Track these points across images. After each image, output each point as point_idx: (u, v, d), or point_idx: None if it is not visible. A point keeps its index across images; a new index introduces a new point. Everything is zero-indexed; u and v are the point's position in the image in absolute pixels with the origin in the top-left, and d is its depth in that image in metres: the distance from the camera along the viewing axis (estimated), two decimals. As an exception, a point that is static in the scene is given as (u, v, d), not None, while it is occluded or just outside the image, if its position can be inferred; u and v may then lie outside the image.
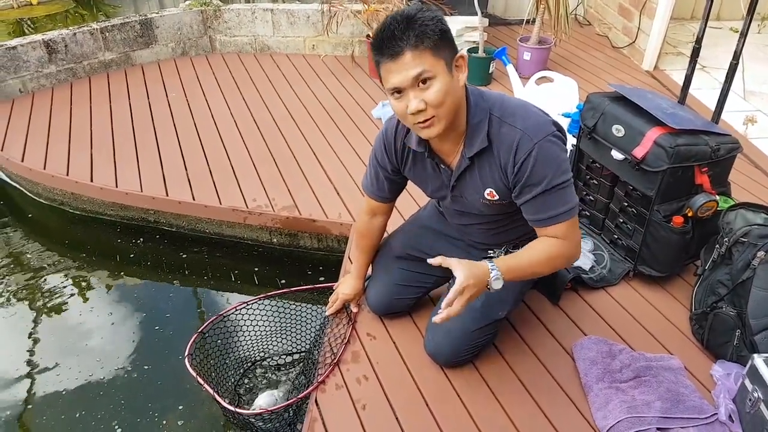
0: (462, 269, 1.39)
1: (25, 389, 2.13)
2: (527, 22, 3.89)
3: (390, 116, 1.66)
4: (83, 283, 2.59)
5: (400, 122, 1.58)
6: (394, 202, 1.82)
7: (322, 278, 2.51)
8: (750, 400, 1.55)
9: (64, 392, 2.11)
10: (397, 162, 1.64)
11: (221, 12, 3.90)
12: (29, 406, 2.07)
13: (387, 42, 1.28)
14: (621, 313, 2.00)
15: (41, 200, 2.99)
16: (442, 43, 1.30)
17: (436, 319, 1.42)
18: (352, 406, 1.68)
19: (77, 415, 2.03)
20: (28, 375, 2.18)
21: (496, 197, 1.53)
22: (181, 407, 2.05)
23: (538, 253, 1.49)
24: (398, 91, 1.33)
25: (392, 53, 1.28)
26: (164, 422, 2.00)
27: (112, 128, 3.14)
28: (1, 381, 2.16)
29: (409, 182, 1.74)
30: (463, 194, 1.59)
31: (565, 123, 2.61)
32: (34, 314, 2.45)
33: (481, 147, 1.45)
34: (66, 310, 2.47)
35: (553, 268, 1.55)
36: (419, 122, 1.35)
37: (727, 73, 2.38)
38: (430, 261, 1.46)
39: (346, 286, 1.96)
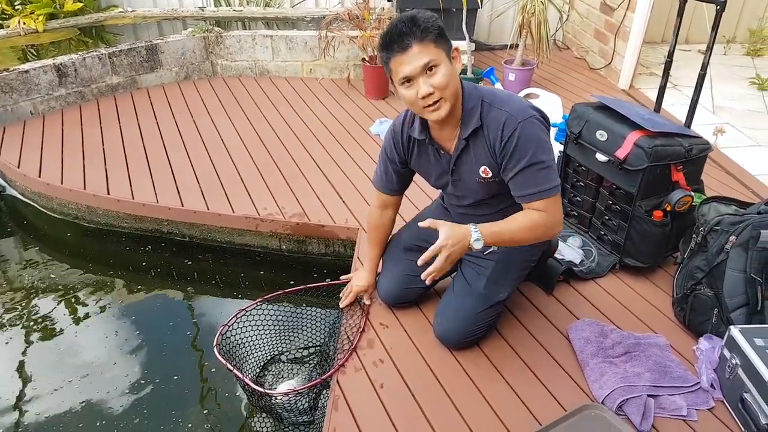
0: (444, 230, 1.60)
1: (49, 397, 2.19)
2: (510, 47, 4.15)
3: (396, 116, 1.87)
4: (101, 293, 2.68)
5: (406, 118, 1.81)
6: (402, 195, 2.01)
7: (328, 279, 2.65)
8: (729, 366, 1.73)
9: (84, 402, 2.17)
10: (404, 153, 1.86)
11: (223, 38, 4.10)
12: (52, 414, 2.13)
13: (396, 38, 1.53)
14: (610, 300, 2.18)
15: (55, 215, 3.09)
16: (441, 37, 1.55)
17: (424, 275, 1.61)
18: (371, 385, 1.83)
19: (98, 424, 2.09)
20: (53, 383, 2.24)
21: (490, 174, 1.73)
22: (205, 411, 2.15)
23: (520, 221, 1.68)
24: (408, 80, 1.56)
25: (402, 47, 1.53)
26: (189, 425, 2.09)
27: (123, 145, 3.28)
28: (27, 388, 2.24)
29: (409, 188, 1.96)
30: (461, 177, 1.80)
31: (552, 132, 2.84)
32: (58, 327, 2.51)
33: (475, 126, 1.66)
34: (87, 321, 2.54)
35: (534, 237, 1.71)
36: (428, 105, 1.57)
37: (697, 82, 2.63)
38: (420, 224, 1.65)
39: (359, 278, 2.12)
